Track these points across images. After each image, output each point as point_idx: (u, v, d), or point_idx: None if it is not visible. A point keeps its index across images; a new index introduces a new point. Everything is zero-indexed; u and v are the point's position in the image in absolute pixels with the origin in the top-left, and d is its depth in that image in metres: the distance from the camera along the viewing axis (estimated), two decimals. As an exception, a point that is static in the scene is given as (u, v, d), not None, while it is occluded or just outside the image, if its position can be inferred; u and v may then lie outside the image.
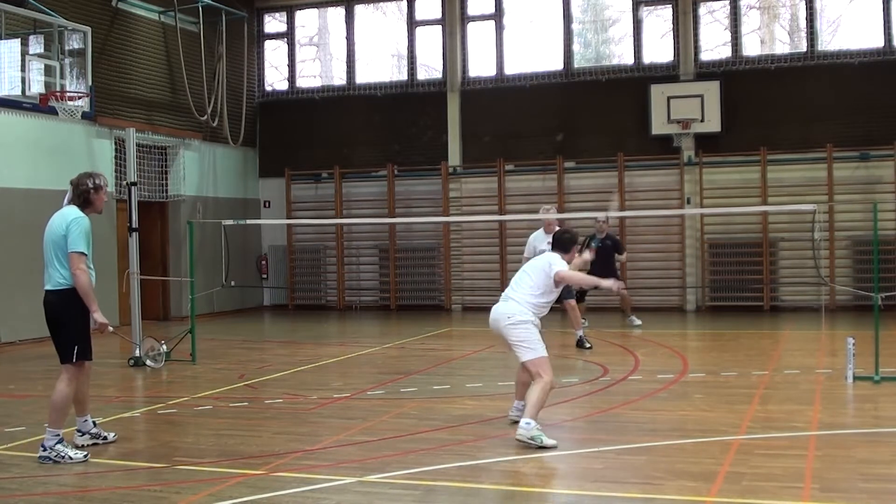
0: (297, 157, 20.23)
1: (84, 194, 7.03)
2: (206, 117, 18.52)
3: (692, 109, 17.53)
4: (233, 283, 14.40)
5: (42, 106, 13.87)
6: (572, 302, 12.38)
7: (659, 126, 17.75)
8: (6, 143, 14.36)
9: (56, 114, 14.04)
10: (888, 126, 16.76)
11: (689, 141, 17.86)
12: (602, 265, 12.27)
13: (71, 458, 6.71)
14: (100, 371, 11.65)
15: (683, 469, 6.20)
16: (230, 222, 14.25)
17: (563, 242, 7.65)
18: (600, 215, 13.97)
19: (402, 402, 8.92)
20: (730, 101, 17.53)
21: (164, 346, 11.72)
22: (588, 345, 12.30)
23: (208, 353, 12.42)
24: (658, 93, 17.74)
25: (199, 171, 18.82)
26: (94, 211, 7.11)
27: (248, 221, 17.54)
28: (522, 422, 6.95)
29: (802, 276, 17.02)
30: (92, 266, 6.94)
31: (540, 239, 11.79)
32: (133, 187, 11.92)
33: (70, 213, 6.92)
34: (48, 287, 6.89)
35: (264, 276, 20.58)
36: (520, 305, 7.30)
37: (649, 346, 12.62)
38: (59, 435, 6.77)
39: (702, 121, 17.51)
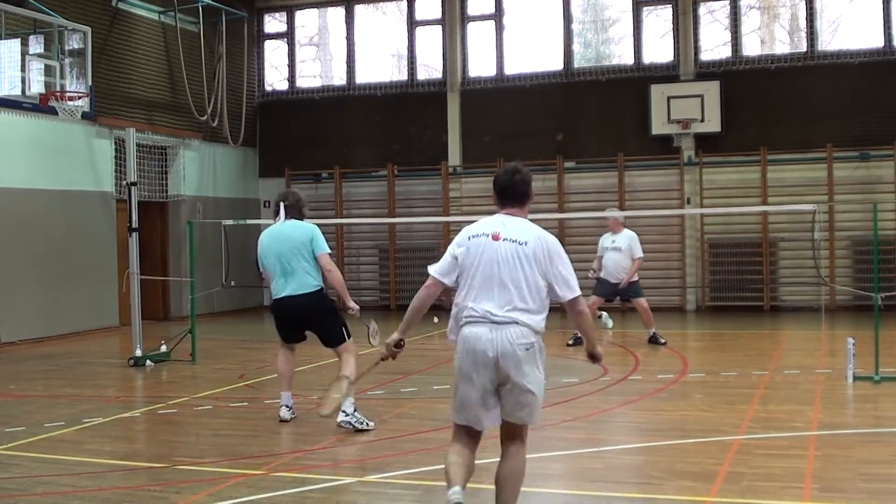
0: (297, 157, 20.22)
1: (303, 209, 8.11)
2: (206, 117, 18.52)
3: (692, 109, 17.53)
4: (233, 283, 14.39)
5: (42, 106, 13.85)
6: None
7: (659, 126, 17.74)
8: (6, 143, 14.36)
9: (56, 114, 14.02)
10: (888, 126, 16.74)
11: (689, 141, 17.86)
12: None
13: (368, 425, 7.55)
14: (100, 371, 11.68)
15: (683, 469, 6.20)
16: (230, 222, 14.26)
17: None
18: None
19: (402, 402, 8.92)
20: (730, 101, 17.51)
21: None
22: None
23: (208, 353, 12.41)
24: (658, 93, 17.73)
25: (199, 171, 18.81)
26: None
27: (248, 221, 17.51)
28: None
29: (802, 276, 17.01)
30: None
31: (607, 239, 13.02)
32: (133, 187, 11.92)
33: (306, 224, 7.97)
34: (301, 292, 7.81)
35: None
36: None
37: (649, 346, 12.62)
38: (353, 403, 7.59)
39: (702, 121, 17.50)
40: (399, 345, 5.15)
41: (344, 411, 7.59)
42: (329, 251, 7.93)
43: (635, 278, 12.90)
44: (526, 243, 4.87)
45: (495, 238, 4.91)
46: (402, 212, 19.48)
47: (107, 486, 6.15)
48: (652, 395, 8.99)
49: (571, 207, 17.97)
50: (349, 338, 7.96)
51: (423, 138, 19.64)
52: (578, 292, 4.90)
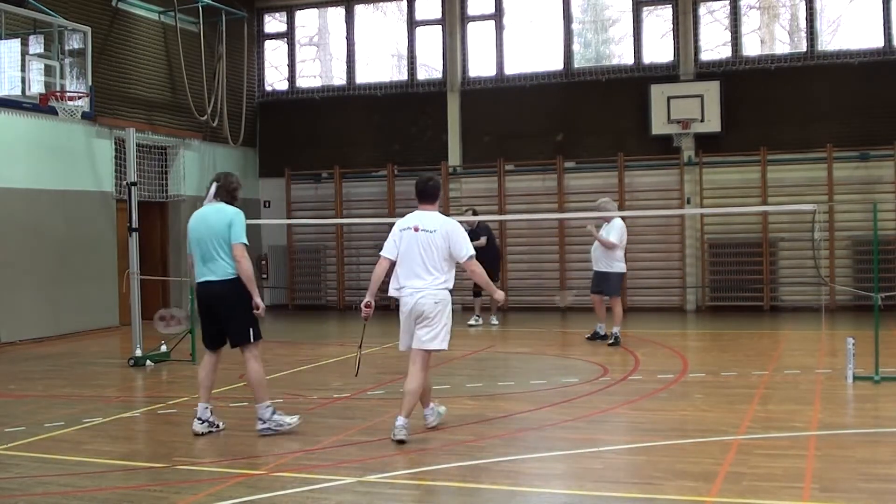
0: (297, 157, 20.22)
1: (234, 192, 7.90)
2: (206, 117, 18.52)
3: (692, 109, 17.53)
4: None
5: (42, 106, 13.86)
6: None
7: (659, 126, 17.74)
8: (6, 143, 14.36)
9: (56, 114, 14.03)
10: (888, 126, 16.75)
11: (689, 141, 17.86)
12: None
13: (288, 423, 7.51)
14: (100, 371, 11.68)
15: (683, 469, 6.20)
16: (230, 222, 14.22)
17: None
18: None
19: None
20: (730, 101, 17.52)
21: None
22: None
23: (208, 353, 12.37)
24: (658, 93, 17.74)
25: (199, 171, 18.80)
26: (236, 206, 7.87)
27: (248, 221, 17.54)
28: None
29: (802, 276, 17.02)
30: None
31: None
32: (133, 187, 11.93)
33: (229, 209, 7.77)
34: (214, 278, 7.53)
35: (264, 276, 20.56)
36: None
37: (649, 346, 12.62)
38: (269, 406, 7.51)
39: (702, 121, 17.50)
40: (369, 305, 7.36)
41: (260, 419, 7.45)
42: (245, 241, 7.57)
43: (612, 269, 12.60)
44: (434, 231, 7.19)
45: (416, 230, 7.23)
46: (402, 211, 19.39)
47: (106, 486, 6.15)
48: (652, 395, 8.99)
49: (571, 207, 17.95)
50: (255, 340, 7.57)
51: (423, 138, 19.64)
52: (472, 252, 7.23)
